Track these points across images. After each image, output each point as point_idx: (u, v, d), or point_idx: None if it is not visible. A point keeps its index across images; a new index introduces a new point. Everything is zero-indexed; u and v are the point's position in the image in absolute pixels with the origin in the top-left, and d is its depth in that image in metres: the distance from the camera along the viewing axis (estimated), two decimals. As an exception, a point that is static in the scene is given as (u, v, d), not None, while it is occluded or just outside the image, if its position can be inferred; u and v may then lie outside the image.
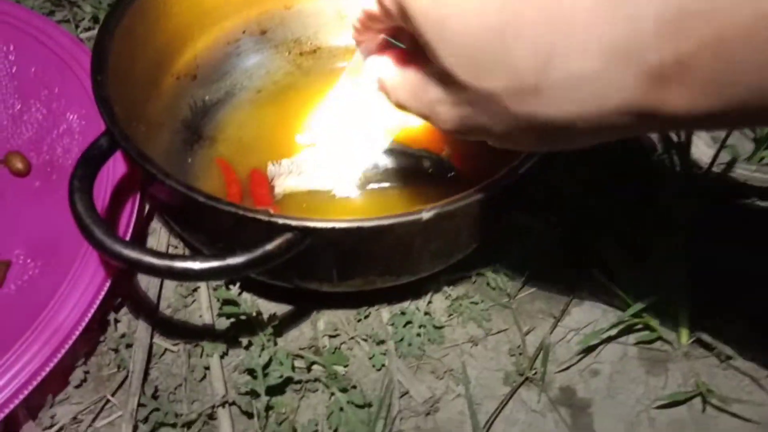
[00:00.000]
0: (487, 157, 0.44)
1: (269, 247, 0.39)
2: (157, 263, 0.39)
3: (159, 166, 0.43)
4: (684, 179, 0.51)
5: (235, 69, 0.64)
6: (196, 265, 0.39)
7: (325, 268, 0.45)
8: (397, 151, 0.53)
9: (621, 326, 0.48)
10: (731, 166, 0.54)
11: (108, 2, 0.71)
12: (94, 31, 0.70)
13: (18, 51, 0.60)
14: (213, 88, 0.63)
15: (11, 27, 0.60)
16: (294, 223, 0.40)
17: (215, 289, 0.51)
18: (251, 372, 0.46)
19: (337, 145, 0.54)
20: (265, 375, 0.46)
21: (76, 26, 0.70)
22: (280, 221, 0.40)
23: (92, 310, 0.47)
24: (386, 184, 0.54)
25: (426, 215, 0.40)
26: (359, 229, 0.40)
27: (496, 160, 0.42)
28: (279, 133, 0.59)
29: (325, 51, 0.67)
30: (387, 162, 0.53)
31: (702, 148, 0.54)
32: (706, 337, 0.48)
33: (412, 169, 0.53)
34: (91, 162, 0.44)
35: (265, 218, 0.40)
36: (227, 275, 0.39)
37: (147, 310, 0.51)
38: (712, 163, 0.52)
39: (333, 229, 0.40)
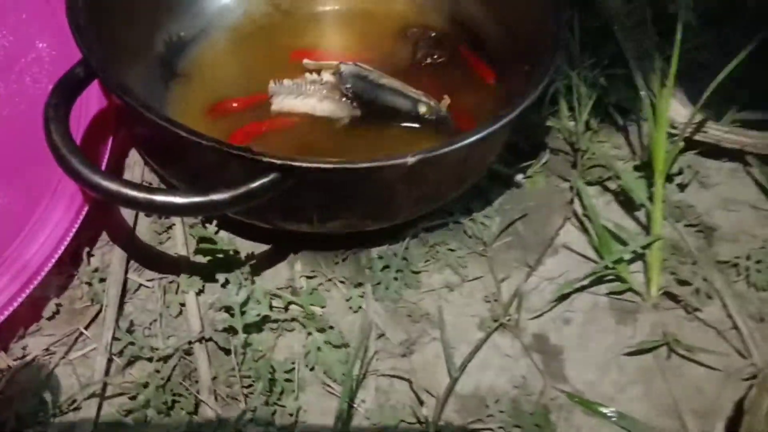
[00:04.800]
0: (483, 110, 0.44)
1: (253, 185, 0.39)
2: (137, 196, 0.38)
3: (139, 98, 0.42)
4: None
5: (212, 5, 0.62)
6: (178, 199, 0.38)
7: (306, 208, 0.45)
8: (397, 90, 0.53)
9: (593, 277, 0.49)
10: (702, 126, 0.56)
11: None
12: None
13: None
14: (188, 24, 0.61)
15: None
16: (278, 161, 0.39)
17: (191, 227, 0.50)
18: (228, 309, 0.46)
19: (338, 78, 0.54)
20: (243, 313, 0.46)
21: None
22: (265, 159, 0.39)
23: (64, 244, 0.47)
24: (380, 122, 0.54)
25: (411, 160, 0.40)
26: (345, 170, 0.40)
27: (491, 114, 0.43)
28: (256, 73, 0.58)
29: (304, -9, 0.65)
30: (385, 100, 0.53)
31: (678, 108, 0.55)
32: (675, 290, 0.49)
33: (407, 110, 0.53)
34: (66, 90, 0.43)
35: (249, 156, 0.39)
36: (209, 211, 0.39)
37: (121, 245, 0.50)
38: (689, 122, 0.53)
39: (318, 169, 0.40)
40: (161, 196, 0.38)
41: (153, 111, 0.41)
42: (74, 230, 0.47)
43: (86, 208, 0.48)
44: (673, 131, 0.53)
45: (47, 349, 0.46)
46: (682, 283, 0.50)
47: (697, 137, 0.55)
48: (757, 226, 0.54)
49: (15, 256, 0.45)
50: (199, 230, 0.48)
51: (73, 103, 0.43)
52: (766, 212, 0.54)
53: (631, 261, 0.50)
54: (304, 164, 0.39)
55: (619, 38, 0.60)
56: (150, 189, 0.38)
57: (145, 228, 0.52)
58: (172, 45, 0.59)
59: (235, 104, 0.56)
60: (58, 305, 0.48)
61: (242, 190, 0.39)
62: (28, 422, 0.43)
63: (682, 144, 0.53)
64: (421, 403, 0.45)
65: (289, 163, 0.39)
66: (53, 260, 0.46)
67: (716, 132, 0.55)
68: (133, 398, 0.44)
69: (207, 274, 0.48)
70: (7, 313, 0.44)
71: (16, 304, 0.44)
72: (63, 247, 0.46)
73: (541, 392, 0.46)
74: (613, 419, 0.45)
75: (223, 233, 0.50)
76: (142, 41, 0.56)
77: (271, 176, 0.39)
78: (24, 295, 0.45)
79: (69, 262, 0.49)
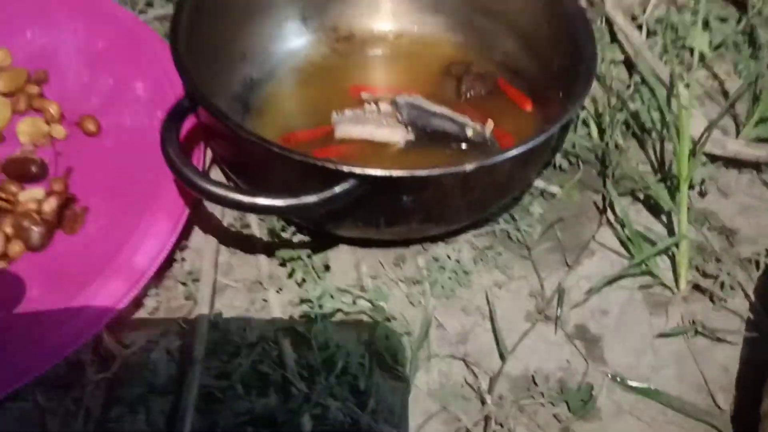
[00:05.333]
0: (522, 134, 0.51)
1: (337, 189, 0.46)
2: (243, 199, 0.46)
3: (236, 122, 0.50)
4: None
5: (279, 51, 0.71)
6: (276, 201, 0.46)
7: (375, 214, 0.52)
8: (446, 116, 0.61)
9: (627, 273, 0.56)
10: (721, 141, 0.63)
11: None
12: (148, 15, 0.77)
13: (86, 28, 0.67)
14: (259, 67, 0.69)
15: (78, 8, 0.67)
16: (357, 170, 0.47)
17: (270, 237, 0.58)
18: (307, 301, 0.53)
19: (394, 107, 0.61)
20: (319, 306, 0.53)
21: (132, 7, 0.77)
22: (345, 168, 0.46)
23: (166, 251, 0.54)
24: (431, 144, 0.61)
25: (469, 167, 0.47)
26: (412, 177, 0.47)
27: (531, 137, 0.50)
28: (318, 107, 0.65)
29: (358, 38, 0.74)
30: (436, 125, 0.60)
31: (698, 126, 0.62)
32: (702, 283, 0.56)
33: (455, 134, 0.60)
34: (176, 117, 0.51)
35: (332, 166, 0.47)
36: (302, 211, 0.47)
37: (210, 252, 0.58)
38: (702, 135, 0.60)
39: (389, 177, 0.47)
40: (262, 199, 0.46)
41: (251, 132, 0.49)
42: (174, 239, 0.55)
43: (183, 220, 0.56)
44: (694, 147, 0.60)
45: (150, 340, 0.53)
46: (708, 277, 0.56)
47: (716, 152, 0.62)
48: (775, 229, 0.60)
49: (124, 261, 0.53)
50: (278, 235, 0.56)
51: (181, 126, 0.51)
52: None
53: (660, 257, 0.57)
54: (378, 172, 0.47)
55: (642, 69, 0.68)
56: (252, 192, 0.46)
57: (230, 237, 0.59)
58: (246, 85, 0.67)
59: (301, 136, 0.63)
60: (159, 302, 0.55)
61: (328, 194, 0.46)
62: (136, 400, 0.50)
63: (703, 158, 0.60)
64: (477, 378, 0.51)
65: (365, 171, 0.47)
66: (156, 265, 0.53)
67: (733, 146, 0.62)
68: (226, 378, 0.50)
69: (285, 274, 0.56)
70: (119, 308, 0.51)
71: (125, 302, 0.52)
72: (165, 253, 0.54)
73: (584, 373, 0.52)
74: (651, 395, 0.50)
75: (296, 239, 0.58)
76: (224, 82, 0.65)
77: (351, 182, 0.47)
78: (132, 294, 0.52)
79: (164, 265, 0.57)
